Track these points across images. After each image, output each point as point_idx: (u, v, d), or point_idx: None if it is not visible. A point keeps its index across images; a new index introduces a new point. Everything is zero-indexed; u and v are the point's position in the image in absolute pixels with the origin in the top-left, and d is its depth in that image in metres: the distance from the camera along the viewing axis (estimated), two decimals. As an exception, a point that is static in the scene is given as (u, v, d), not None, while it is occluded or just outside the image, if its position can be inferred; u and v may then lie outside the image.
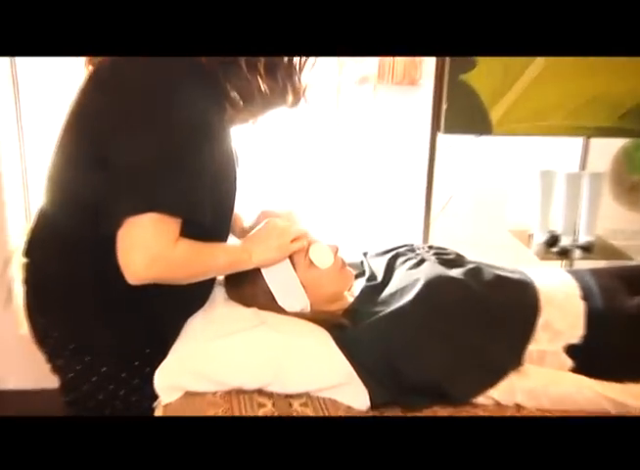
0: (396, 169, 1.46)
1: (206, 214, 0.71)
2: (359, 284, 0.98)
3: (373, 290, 0.93)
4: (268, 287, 0.88)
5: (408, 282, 0.88)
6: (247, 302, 0.90)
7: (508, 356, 0.80)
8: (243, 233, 0.90)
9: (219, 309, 0.90)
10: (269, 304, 0.89)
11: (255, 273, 0.87)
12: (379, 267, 0.99)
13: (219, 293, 0.94)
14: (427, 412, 0.70)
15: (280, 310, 0.89)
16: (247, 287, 0.90)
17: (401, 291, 0.87)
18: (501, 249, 1.36)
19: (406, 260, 0.98)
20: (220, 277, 0.95)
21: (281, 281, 0.87)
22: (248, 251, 0.81)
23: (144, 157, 0.66)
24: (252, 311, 0.88)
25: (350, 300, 0.94)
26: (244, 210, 0.97)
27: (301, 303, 0.89)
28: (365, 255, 1.07)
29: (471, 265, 0.94)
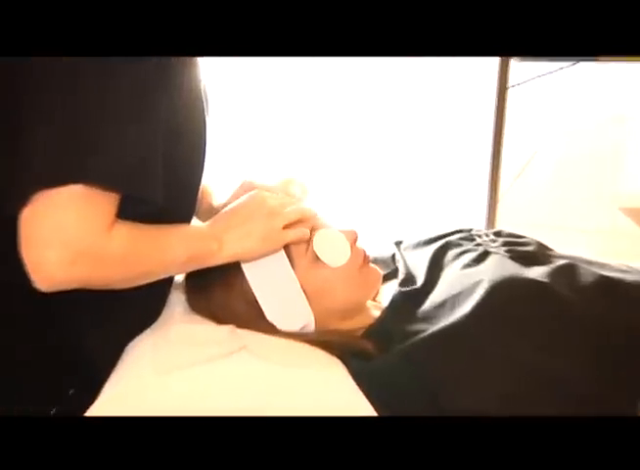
0: (448, 117, 1.41)
1: (158, 187, 0.69)
2: (389, 290, 0.96)
3: (410, 299, 0.91)
4: (252, 293, 0.86)
5: (464, 287, 0.87)
6: (219, 315, 0.89)
7: (622, 404, 0.77)
8: (210, 214, 0.88)
9: (177, 328, 0.87)
10: (253, 319, 0.87)
11: (234, 272, 0.86)
12: (419, 264, 0.99)
13: (177, 302, 0.92)
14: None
15: (269, 329, 0.87)
16: (219, 293, 0.88)
17: (453, 300, 0.86)
18: (608, 235, 1.31)
19: (461, 254, 0.97)
20: (179, 278, 0.93)
21: (272, 285, 0.86)
22: (217, 237, 0.79)
23: (62, 102, 0.64)
24: (228, 331, 0.86)
25: (376, 314, 0.93)
26: (216, 181, 0.97)
27: (302, 317, 0.88)
28: (398, 245, 1.07)
29: (560, 262, 0.93)
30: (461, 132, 1.44)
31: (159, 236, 0.75)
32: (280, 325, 0.87)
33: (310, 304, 0.87)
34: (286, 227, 0.83)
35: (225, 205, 0.88)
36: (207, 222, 0.82)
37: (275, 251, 0.84)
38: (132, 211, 0.70)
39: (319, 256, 0.87)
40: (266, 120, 1.39)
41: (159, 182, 0.70)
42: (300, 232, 0.84)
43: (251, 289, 0.86)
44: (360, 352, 0.85)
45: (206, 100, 0.83)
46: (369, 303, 0.94)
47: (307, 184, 0.95)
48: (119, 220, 0.70)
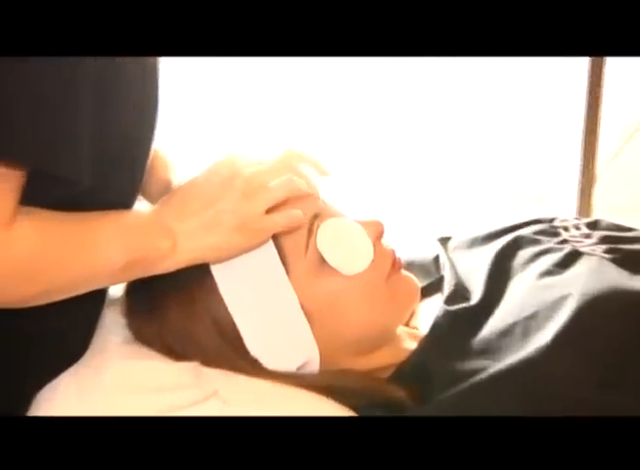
0: (529, 70, 1.54)
1: (81, 160, 0.70)
2: (431, 309, 0.96)
3: (461, 322, 0.91)
4: (228, 314, 0.85)
5: (542, 305, 0.87)
6: (176, 347, 0.87)
7: None
8: (162, 193, 0.87)
9: (114, 366, 0.86)
10: (228, 352, 0.86)
11: (199, 281, 0.85)
12: (475, 271, 0.99)
13: (113, 327, 0.91)
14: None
15: (252, 369, 0.86)
16: (176, 314, 0.87)
17: (525, 325, 0.86)
18: None
19: (537, 255, 0.97)
20: (116, 290, 0.92)
21: (257, 300, 0.85)
22: (169, 230, 0.78)
23: None
24: (190, 370, 0.84)
25: (410, 345, 0.91)
26: (182, 147, 1.00)
27: (301, 351, 0.87)
28: (445, 243, 1.06)
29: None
30: (546, 91, 1.60)
31: (82, 230, 0.74)
32: (268, 362, 0.86)
33: (314, 330, 0.86)
34: (270, 211, 0.80)
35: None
36: (154, 207, 0.81)
37: (258, 247, 0.82)
38: (43, 196, 0.71)
39: (326, 258, 0.85)
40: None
41: (82, 154, 0.70)
42: (292, 216, 0.82)
43: (225, 307, 0.84)
44: (386, 402, 0.84)
45: None
46: (400, 329, 0.93)
47: (324, 160, 0.92)
48: (24, 209, 0.69)
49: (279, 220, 0.81)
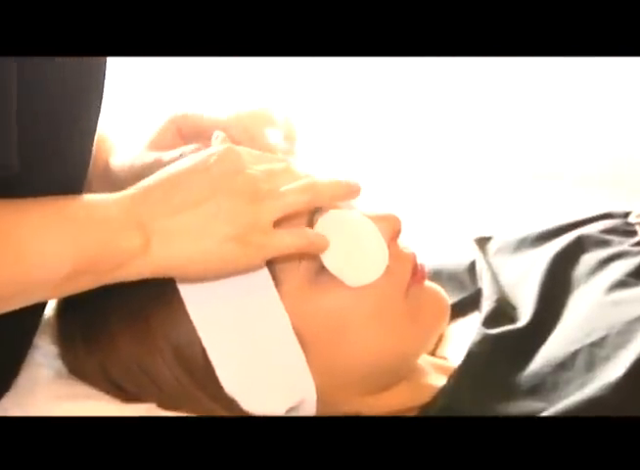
0: None
1: (8, 145, 0.70)
2: (464, 332, 0.97)
3: (505, 349, 0.91)
4: (197, 342, 0.83)
5: (610, 328, 0.87)
6: (126, 384, 0.85)
7: None
8: (106, 183, 0.87)
9: (45, 409, 0.84)
10: (194, 390, 0.84)
11: (161, 299, 0.84)
12: (523, 282, 1.00)
13: (42, 358, 0.90)
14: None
15: (225, 412, 0.84)
16: (126, 341, 0.85)
17: (591, 354, 0.86)
18: None
19: (608, 260, 0.98)
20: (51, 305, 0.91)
21: (234, 323, 0.85)
22: (140, 224, 0.75)
23: None
24: (143, 414, 0.83)
25: (436, 381, 0.90)
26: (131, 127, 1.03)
27: (294, 389, 0.86)
28: (483, 244, 1.09)
29: None
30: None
31: (5, 220, 0.71)
32: (249, 404, 0.84)
33: (309, 361, 0.84)
34: (279, 224, 0.78)
35: (134, 168, 0.88)
36: (122, 193, 0.77)
37: (253, 270, 0.81)
38: None
39: (326, 263, 0.83)
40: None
41: (8, 137, 0.70)
42: (312, 238, 0.81)
43: (193, 330, 0.82)
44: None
45: None
46: (424, 360, 0.93)
47: (296, 122, 0.94)
48: None
49: (290, 241, 0.78)
